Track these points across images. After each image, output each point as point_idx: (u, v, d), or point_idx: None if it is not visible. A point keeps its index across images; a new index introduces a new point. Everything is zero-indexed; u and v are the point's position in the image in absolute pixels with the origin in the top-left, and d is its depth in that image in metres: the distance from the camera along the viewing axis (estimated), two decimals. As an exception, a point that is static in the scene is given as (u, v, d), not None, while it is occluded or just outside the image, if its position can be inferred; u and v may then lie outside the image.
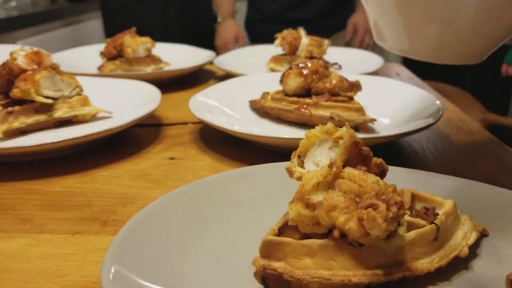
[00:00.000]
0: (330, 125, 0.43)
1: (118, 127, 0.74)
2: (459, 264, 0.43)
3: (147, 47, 1.20)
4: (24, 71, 0.80)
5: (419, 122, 0.73)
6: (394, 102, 0.86)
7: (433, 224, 0.42)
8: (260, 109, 0.87)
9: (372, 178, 0.39)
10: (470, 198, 0.51)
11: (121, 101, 0.90)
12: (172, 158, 0.73)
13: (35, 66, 0.82)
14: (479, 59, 0.46)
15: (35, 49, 0.84)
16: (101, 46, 1.28)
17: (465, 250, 0.43)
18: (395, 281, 0.39)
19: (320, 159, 0.43)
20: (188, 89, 1.15)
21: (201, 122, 0.79)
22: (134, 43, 1.18)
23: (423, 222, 0.43)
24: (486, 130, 0.84)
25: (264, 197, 0.52)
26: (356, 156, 0.42)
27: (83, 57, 1.31)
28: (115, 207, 0.58)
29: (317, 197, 0.39)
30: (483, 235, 0.47)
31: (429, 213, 0.44)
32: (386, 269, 0.38)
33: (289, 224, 0.41)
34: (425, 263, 0.40)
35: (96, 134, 0.72)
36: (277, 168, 0.52)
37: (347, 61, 1.27)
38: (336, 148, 0.42)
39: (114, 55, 1.19)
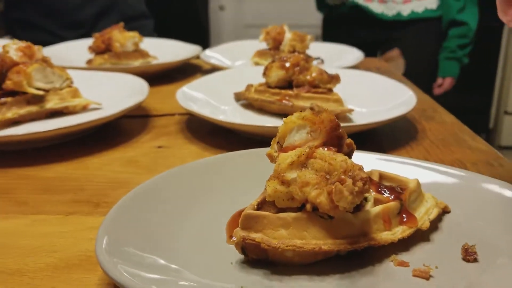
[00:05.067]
0: (308, 112, 0.47)
1: (107, 117, 0.77)
2: (421, 236, 0.47)
3: (135, 42, 1.23)
4: (16, 64, 0.83)
5: (394, 112, 0.77)
6: (371, 94, 0.91)
7: (397, 200, 0.46)
8: (244, 100, 0.91)
9: (340, 157, 0.43)
10: (435, 179, 0.55)
11: (110, 93, 0.93)
12: (159, 147, 0.77)
13: (27, 59, 0.85)
14: None
15: (27, 42, 0.87)
16: (90, 41, 1.30)
17: (426, 224, 0.47)
18: (361, 249, 0.43)
19: (298, 143, 0.47)
20: (175, 82, 1.18)
21: (187, 113, 0.83)
22: (122, 37, 1.21)
23: (388, 198, 0.47)
24: (458, 120, 0.88)
25: (246, 179, 0.56)
26: (333, 138, 0.46)
27: (72, 52, 1.33)
28: (107, 190, 0.62)
29: (292, 175, 0.43)
30: (445, 211, 0.51)
31: (395, 194, 0.48)
32: (353, 239, 0.43)
33: (266, 200, 0.45)
34: (389, 235, 0.45)
35: (86, 124, 0.75)
36: (258, 154, 0.56)
37: (329, 55, 1.32)
38: (314, 133, 0.46)
39: (102, 50, 1.22)
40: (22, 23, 1.80)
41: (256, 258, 0.43)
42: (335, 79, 0.86)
